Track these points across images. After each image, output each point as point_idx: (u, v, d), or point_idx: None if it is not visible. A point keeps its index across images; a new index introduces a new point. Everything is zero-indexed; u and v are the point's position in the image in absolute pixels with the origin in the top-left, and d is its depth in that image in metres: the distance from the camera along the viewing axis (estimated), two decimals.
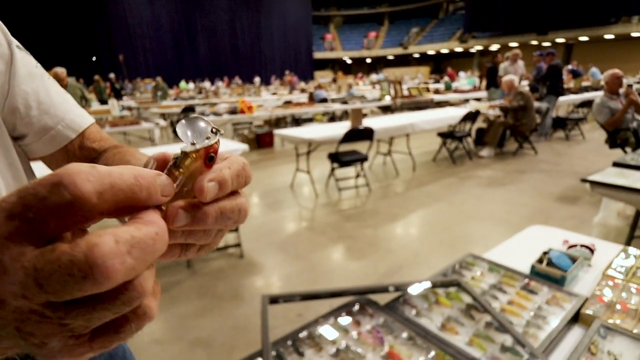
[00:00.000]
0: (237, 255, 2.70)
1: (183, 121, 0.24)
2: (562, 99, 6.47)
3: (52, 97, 0.50)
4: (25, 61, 0.48)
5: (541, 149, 5.58)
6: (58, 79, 5.02)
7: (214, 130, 0.24)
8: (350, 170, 4.40)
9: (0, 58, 0.45)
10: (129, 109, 8.12)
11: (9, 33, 0.46)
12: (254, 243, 2.91)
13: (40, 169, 0.45)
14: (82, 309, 0.17)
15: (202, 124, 0.24)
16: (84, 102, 5.84)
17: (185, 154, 0.22)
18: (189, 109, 7.07)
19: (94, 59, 18.72)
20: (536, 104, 5.52)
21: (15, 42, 0.47)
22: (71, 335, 0.17)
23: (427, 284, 0.92)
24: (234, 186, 0.24)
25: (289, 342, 0.78)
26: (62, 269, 0.15)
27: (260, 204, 3.89)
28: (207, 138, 0.23)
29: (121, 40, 19.01)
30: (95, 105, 7.68)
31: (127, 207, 0.19)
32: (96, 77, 9.64)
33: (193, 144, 0.22)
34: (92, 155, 0.53)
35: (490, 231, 3.05)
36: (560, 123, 6.43)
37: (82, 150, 0.53)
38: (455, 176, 4.54)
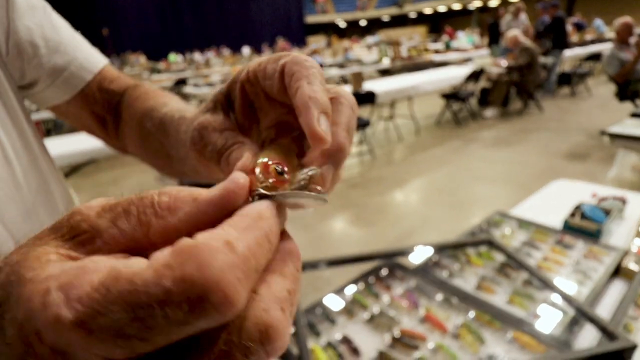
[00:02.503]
0: None
1: None
2: (567, 52, 6.25)
3: (60, 33, 0.43)
4: None
5: (547, 107, 5.45)
6: None
7: None
8: None
9: None
10: None
11: None
12: None
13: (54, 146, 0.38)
14: None
15: None
16: None
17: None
18: (181, 82, 6.84)
19: None
20: (542, 59, 5.33)
21: None
22: None
23: (458, 244, 0.88)
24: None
25: (319, 310, 0.75)
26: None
27: None
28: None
29: (104, 14, 18.11)
30: None
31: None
32: None
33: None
34: (114, 98, 0.47)
35: (500, 192, 3.02)
36: (566, 79, 6.24)
37: (102, 93, 0.46)
38: (460, 138, 4.46)
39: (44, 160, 0.44)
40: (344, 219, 2.84)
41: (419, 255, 0.87)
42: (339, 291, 0.80)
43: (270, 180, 0.17)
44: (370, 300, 0.77)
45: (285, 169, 0.18)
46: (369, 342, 0.67)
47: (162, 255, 0.11)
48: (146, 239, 0.14)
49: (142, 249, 0.14)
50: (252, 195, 0.16)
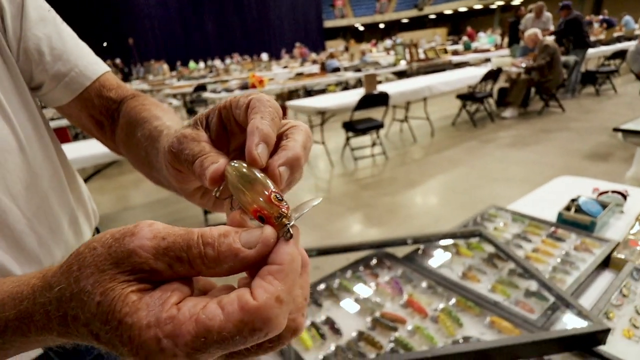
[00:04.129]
0: None
1: None
2: (591, 51, 6.02)
3: (65, 43, 0.48)
4: (37, 5, 0.46)
5: (569, 107, 5.28)
6: None
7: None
8: (365, 139, 4.32)
9: (11, 1, 0.43)
10: (142, 92, 8.15)
11: None
12: None
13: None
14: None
15: None
16: None
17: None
18: (200, 88, 7.05)
19: (104, 44, 18.77)
20: (563, 58, 5.16)
21: None
22: None
23: (448, 235, 0.90)
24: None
25: None
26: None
27: None
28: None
29: (129, 23, 18.89)
30: None
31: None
32: (107, 62, 9.71)
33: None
34: (112, 106, 0.52)
35: (515, 193, 2.95)
36: (590, 77, 6.02)
37: (101, 99, 0.51)
38: (477, 139, 4.38)
39: (56, 153, 0.50)
40: (354, 219, 2.86)
41: (408, 245, 0.90)
42: (328, 278, 0.83)
43: (284, 209, 0.21)
44: (357, 286, 0.80)
45: (280, 193, 0.22)
46: (351, 324, 0.70)
47: (234, 310, 0.18)
48: (197, 275, 0.20)
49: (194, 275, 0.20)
50: (278, 223, 0.21)
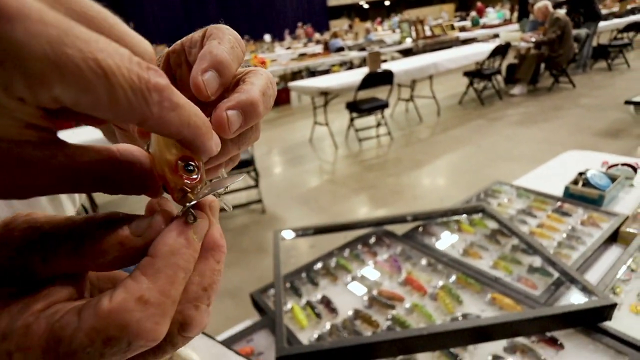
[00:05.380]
0: (259, 211, 2.73)
1: None
2: (603, 23, 5.77)
3: None
4: None
5: (579, 82, 5.11)
6: None
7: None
8: (370, 120, 4.25)
9: None
10: None
11: None
12: (275, 199, 2.93)
13: None
14: None
15: None
16: None
17: None
18: None
19: None
20: (574, 31, 4.96)
21: None
22: None
23: (449, 212, 0.87)
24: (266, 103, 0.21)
25: (303, 274, 0.77)
26: None
27: (280, 160, 3.88)
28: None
29: (129, 7, 18.62)
30: None
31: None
32: None
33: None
34: None
35: (523, 171, 2.86)
36: (602, 52, 5.79)
37: None
38: (484, 118, 4.28)
39: None
40: (358, 201, 2.84)
41: (409, 222, 0.87)
42: (325, 257, 0.82)
43: (188, 183, 0.17)
44: (354, 265, 0.78)
45: (193, 163, 0.17)
46: (348, 302, 0.69)
47: (89, 316, 0.14)
48: (82, 269, 0.16)
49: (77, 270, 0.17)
50: (180, 201, 0.17)
